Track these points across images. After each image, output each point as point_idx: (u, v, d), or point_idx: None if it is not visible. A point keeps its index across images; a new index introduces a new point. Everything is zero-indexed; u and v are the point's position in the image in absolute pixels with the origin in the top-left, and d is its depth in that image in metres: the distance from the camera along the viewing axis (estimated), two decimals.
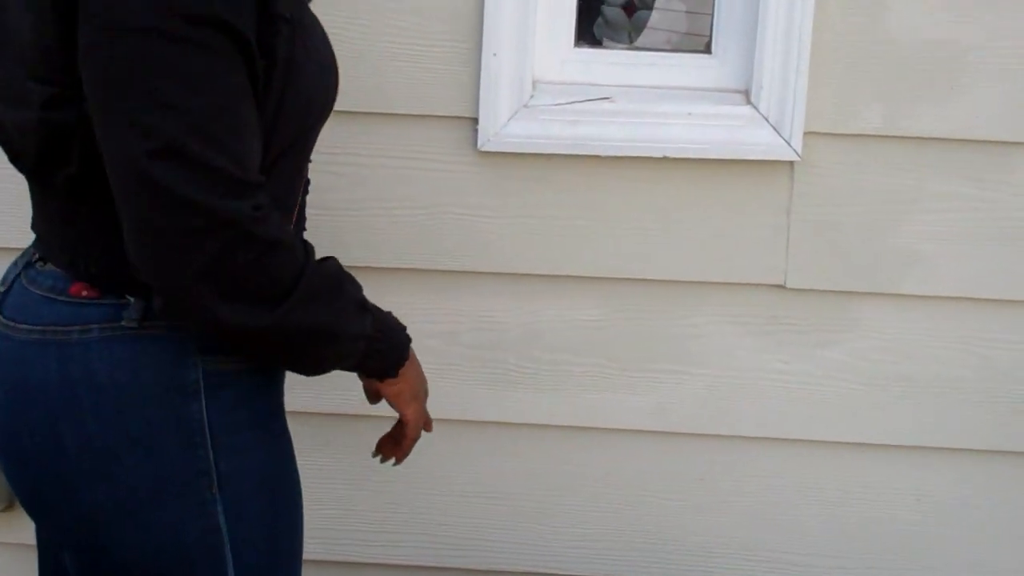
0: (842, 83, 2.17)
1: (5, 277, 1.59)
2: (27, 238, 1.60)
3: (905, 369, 2.27)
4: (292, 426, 1.63)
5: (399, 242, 2.23)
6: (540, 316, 2.28)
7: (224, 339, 1.43)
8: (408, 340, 1.63)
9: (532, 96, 2.20)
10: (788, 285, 2.24)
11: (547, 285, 2.26)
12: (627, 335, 2.28)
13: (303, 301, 1.39)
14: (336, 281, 1.47)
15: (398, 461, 1.78)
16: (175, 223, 1.31)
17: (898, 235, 2.22)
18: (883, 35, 2.15)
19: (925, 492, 2.33)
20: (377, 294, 2.21)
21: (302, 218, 1.64)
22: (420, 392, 1.71)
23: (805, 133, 2.17)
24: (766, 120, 2.17)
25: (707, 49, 2.28)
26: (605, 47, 2.90)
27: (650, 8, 3.15)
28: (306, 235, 1.65)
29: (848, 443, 2.31)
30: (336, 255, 1.56)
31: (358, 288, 1.52)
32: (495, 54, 2.17)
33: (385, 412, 1.73)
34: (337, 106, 1.58)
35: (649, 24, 3.19)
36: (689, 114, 2.18)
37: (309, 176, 1.63)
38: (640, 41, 3.13)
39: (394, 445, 1.76)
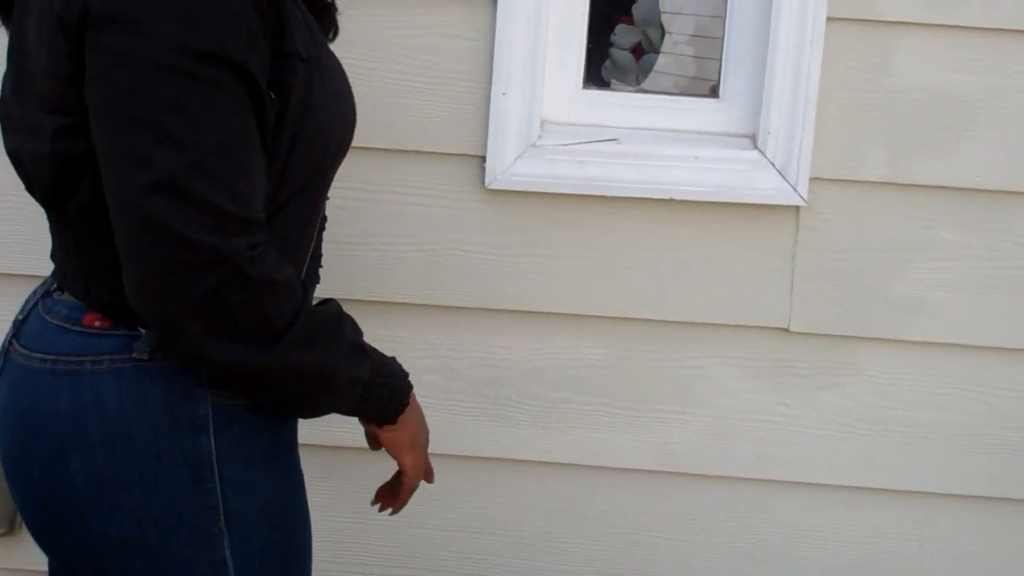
0: (848, 130, 2.17)
1: (25, 305, 1.58)
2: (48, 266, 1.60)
3: (906, 415, 2.26)
4: None
5: (404, 277, 2.22)
6: (543, 353, 2.27)
7: (214, 377, 1.41)
8: (409, 387, 1.60)
9: (540, 136, 2.19)
10: (792, 328, 2.23)
11: (551, 323, 2.25)
12: (630, 375, 2.27)
13: (297, 343, 1.38)
14: (335, 324, 1.45)
15: (395, 511, 1.75)
16: (169, 258, 1.30)
17: (901, 282, 2.21)
18: (889, 84, 2.15)
19: (925, 537, 2.31)
20: (381, 328, 2.21)
21: (318, 255, 1.62)
22: (420, 440, 1.68)
23: (811, 179, 2.17)
24: (772, 165, 2.16)
25: (714, 93, 2.27)
26: (613, 89, 2.89)
27: (657, 52, 3.15)
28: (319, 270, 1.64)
29: (849, 487, 2.29)
30: (341, 288, 1.55)
31: (358, 332, 1.50)
32: (504, 94, 2.17)
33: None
34: None
35: (657, 68, 3.19)
36: (696, 157, 2.18)
37: (325, 213, 1.62)
38: (648, 85, 3.13)
39: (392, 494, 1.73)
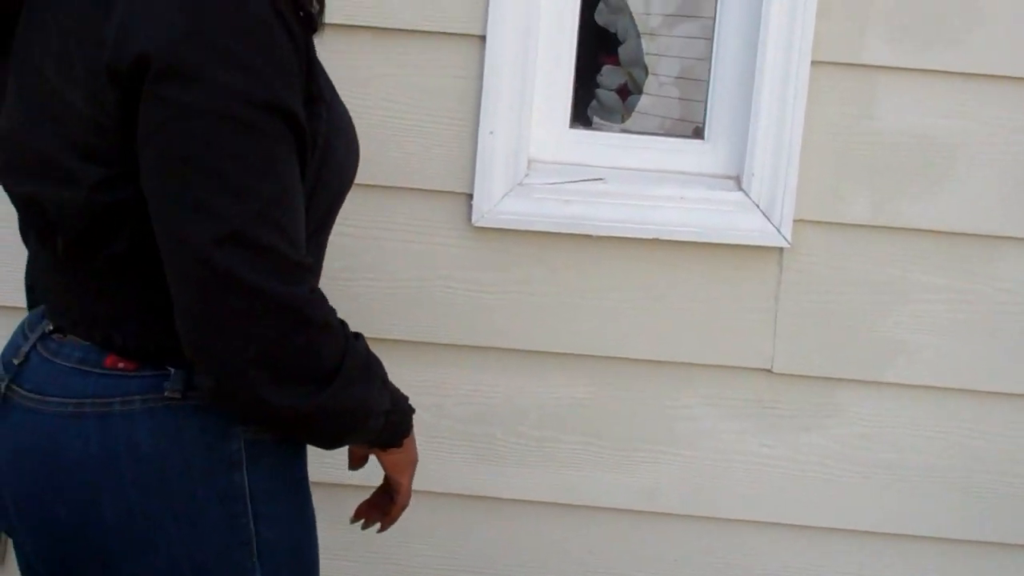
0: (832, 173, 2.17)
1: (15, 348, 1.54)
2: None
3: (887, 456, 2.25)
4: None
5: (390, 313, 2.21)
6: (528, 392, 2.26)
7: (264, 420, 1.40)
8: (412, 411, 1.62)
9: (527, 174, 2.19)
10: (775, 370, 2.23)
11: (536, 361, 2.25)
12: (614, 414, 2.26)
13: (346, 382, 1.38)
14: (367, 360, 1.45)
15: (383, 528, 1.76)
16: (238, 307, 1.29)
17: (883, 324, 2.21)
18: (872, 127, 2.16)
19: None
20: None
21: None
22: (415, 461, 1.71)
23: (795, 220, 2.17)
24: (757, 206, 2.16)
25: (698, 135, 2.28)
26: (598, 129, 2.90)
27: (641, 93, 3.16)
28: None
29: (831, 528, 2.28)
30: None
31: (381, 365, 1.50)
32: (492, 132, 2.16)
33: (365, 480, 1.73)
34: None
35: (640, 108, 3.20)
36: (681, 198, 2.18)
37: None
38: (632, 125, 3.14)
39: (380, 512, 1.74)
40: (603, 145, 2.27)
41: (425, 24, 2.14)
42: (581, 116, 2.93)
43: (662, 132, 3.16)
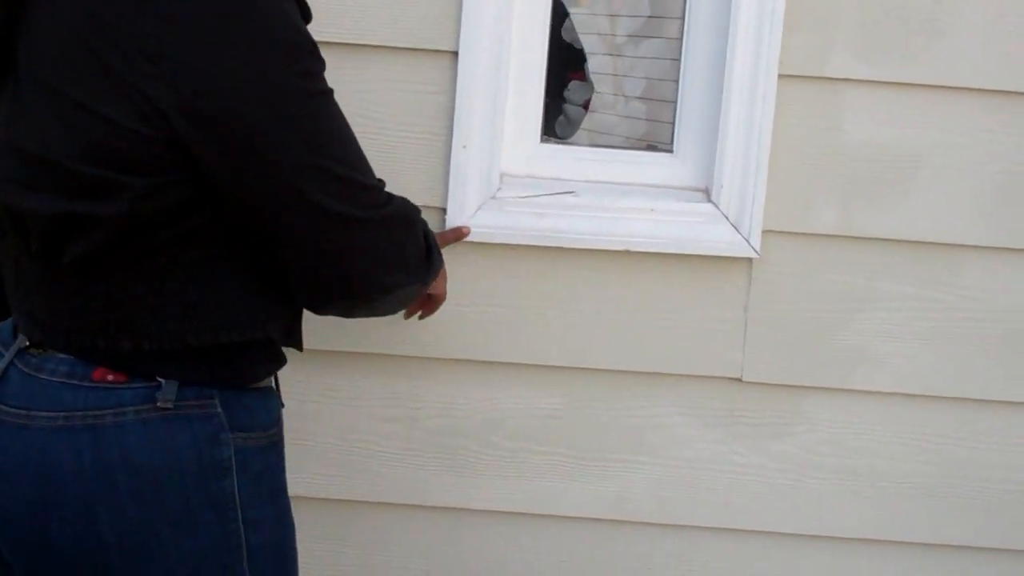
0: (800, 184, 2.18)
1: None
2: None
3: (854, 463, 2.26)
4: None
5: (364, 325, 2.20)
6: (501, 403, 2.25)
7: (385, 309, 1.60)
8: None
9: (499, 188, 2.19)
10: (745, 378, 2.23)
11: (509, 373, 2.24)
12: (586, 424, 2.25)
13: (432, 245, 1.66)
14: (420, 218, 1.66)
15: (424, 315, 2.00)
16: (401, 239, 1.53)
17: (850, 332, 2.22)
18: (840, 139, 2.17)
19: None
20: (341, 377, 2.20)
21: None
22: (445, 273, 1.92)
23: (763, 231, 2.18)
24: (726, 218, 2.17)
25: (668, 148, 2.28)
26: (569, 143, 2.90)
27: (587, 106, 3.15)
28: None
29: (800, 535, 2.29)
30: (302, 336, 1.58)
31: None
32: (464, 147, 2.16)
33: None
34: None
35: (607, 128, 3.19)
36: (651, 210, 2.18)
37: None
38: (601, 140, 3.13)
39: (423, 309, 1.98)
40: (574, 159, 2.27)
41: (398, 40, 2.14)
42: (549, 130, 2.93)
43: (627, 146, 3.16)
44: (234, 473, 1.47)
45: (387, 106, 2.16)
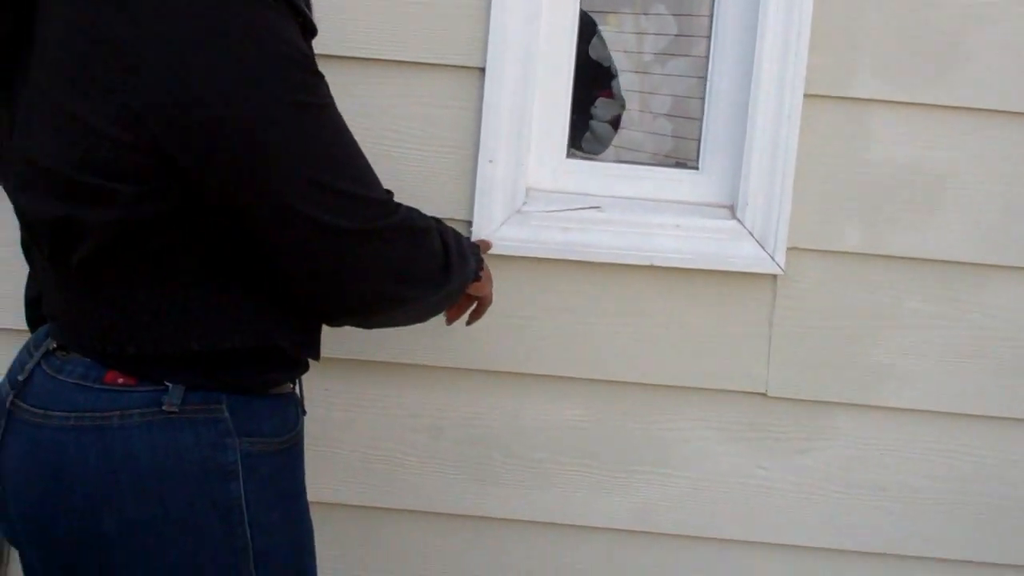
0: (825, 201, 2.17)
1: (21, 366, 1.55)
2: None
3: (878, 478, 2.25)
4: None
5: (391, 337, 2.20)
6: (525, 415, 2.25)
7: (406, 320, 1.61)
8: (473, 244, 1.79)
9: (525, 202, 2.19)
10: (769, 393, 2.22)
11: (534, 384, 2.24)
12: (610, 436, 2.25)
13: (457, 254, 1.62)
14: (444, 226, 1.64)
15: (471, 321, 1.91)
16: (369, 252, 1.45)
17: (875, 349, 2.21)
18: (865, 158, 2.16)
19: None
20: (368, 387, 2.20)
21: None
22: (490, 277, 1.87)
23: (788, 248, 2.17)
24: (751, 234, 2.16)
25: (694, 165, 2.28)
26: (595, 159, 2.90)
27: (616, 124, 3.16)
28: None
29: (825, 548, 2.28)
30: (326, 346, 1.58)
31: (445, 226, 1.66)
32: (491, 161, 2.16)
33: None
34: None
35: (634, 144, 3.20)
36: (677, 226, 2.18)
37: None
38: (626, 156, 3.14)
39: (472, 316, 1.91)
40: (600, 174, 2.27)
41: (427, 56, 2.14)
42: (576, 146, 2.94)
43: (654, 163, 3.17)
44: (240, 478, 1.47)
45: (415, 121, 2.16)
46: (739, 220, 2.17)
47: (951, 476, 2.25)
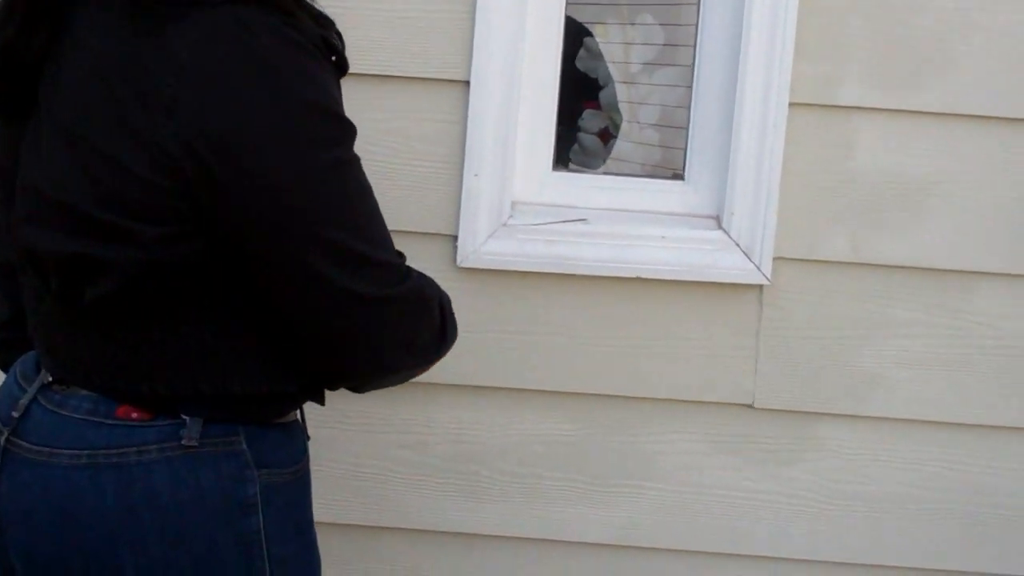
0: (811, 211, 2.15)
1: (12, 401, 1.48)
2: None
3: (867, 489, 2.23)
4: None
5: None
6: (512, 429, 2.22)
7: (394, 383, 1.53)
8: None
9: (511, 216, 2.16)
10: (756, 405, 2.20)
11: (520, 399, 2.22)
12: (598, 450, 2.22)
13: (450, 315, 1.55)
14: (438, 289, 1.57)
15: None
16: (420, 318, 1.43)
17: (862, 359, 2.19)
18: (849, 167, 2.14)
19: None
20: (354, 404, 2.17)
21: None
22: None
23: (774, 258, 2.15)
24: (737, 245, 2.14)
25: (682, 175, 2.26)
26: (580, 171, 2.88)
27: (615, 136, 3.14)
28: None
29: (813, 560, 2.25)
30: (324, 393, 1.55)
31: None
32: (476, 175, 2.14)
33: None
34: None
35: (622, 155, 3.18)
36: (662, 237, 2.15)
37: None
38: (612, 170, 3.12)
39: None
40: (585, 187, 2.24)
41: (411, 70, 2.12)
42: (563, 159, 2.91)
43: (642, 174, 3.15)
44: (260, 510, 1.43)
45: (399, 135, 2.14)
46: (725, 230, 2.15)
47: (938, 486, 2.23)
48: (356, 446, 2.21)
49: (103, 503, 1.38)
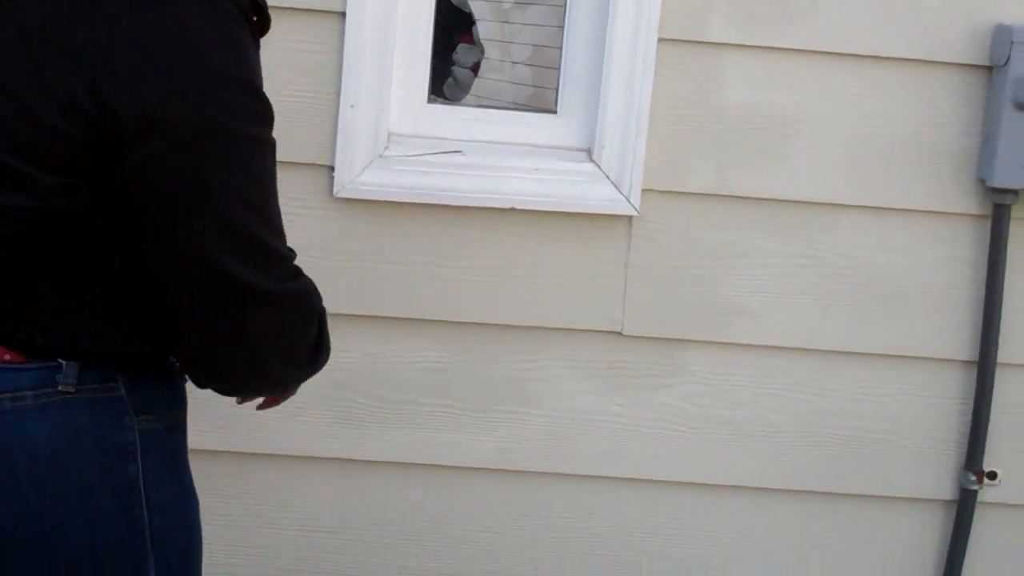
0: (678, 145, 2.19)
1: None
2: None
3: (731, 413, 2.28)
4: None
5: None
6: (387, 357, 2.23)
7: (259, 394, 1.49)
8: None
9: (387, 147, 2.17)
10: (625, 332, 2.24)
11: (395, 327, 2.23)
12: (471, 377, 2.25)
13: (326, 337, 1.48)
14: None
15: (262, 406, 1.68)
16: (263, 315, 1.32)
17: (727, 288, 2.24)
18: (716, 102, 2.18)
19: (748, 529, 2.34)
20: None
21: None
22: None
23: (643, 190, 2.18)
24: (607, 177, 2.17)
25: (552, 110, 2.28)
26: (456, 104, 2.89)
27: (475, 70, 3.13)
28: None
29: (679, 482, 2.31)
30: None
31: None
32: (352, 106, 2.14)
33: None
34: None
35: (494, 92, 3.19)
36: (535, 169, 2.17)
37: None
38: (487, 104, 3.13)
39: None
40: (460, 119, 2.25)
41: (287, 1, 2.10)
42: (437, 92, 2.91)
43: (515, 107, 3.16)
44: (138, 457, 1.40)
45: (275, 66, 2.10)
46: (596, 163, 2.18)
47: (803, 410, 2.29)
48: None
49: None
